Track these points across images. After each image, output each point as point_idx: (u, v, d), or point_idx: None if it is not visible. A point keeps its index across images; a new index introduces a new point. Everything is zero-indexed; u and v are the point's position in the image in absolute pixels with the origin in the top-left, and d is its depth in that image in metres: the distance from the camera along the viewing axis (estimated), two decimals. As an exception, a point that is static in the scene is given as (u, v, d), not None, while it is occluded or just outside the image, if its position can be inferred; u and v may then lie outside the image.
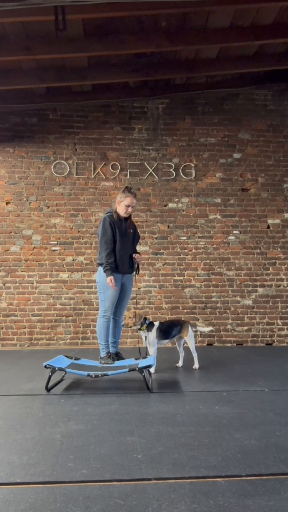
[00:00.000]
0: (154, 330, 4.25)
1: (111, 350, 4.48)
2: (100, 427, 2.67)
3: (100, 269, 4.40)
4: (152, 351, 4.25)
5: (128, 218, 4.53)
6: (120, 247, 4.39)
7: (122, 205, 4.43)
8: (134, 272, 4.62)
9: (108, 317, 4.42)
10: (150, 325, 4.26)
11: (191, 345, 4.41)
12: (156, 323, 4.31)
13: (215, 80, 6.31)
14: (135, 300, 6.09)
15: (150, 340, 4.27)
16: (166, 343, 4.60)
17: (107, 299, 4.36)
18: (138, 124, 6.47)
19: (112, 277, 4.26)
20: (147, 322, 4.26)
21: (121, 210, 4.44)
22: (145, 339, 4.31)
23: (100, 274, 4.41)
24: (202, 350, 5.19)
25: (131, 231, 4.56)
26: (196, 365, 4.42)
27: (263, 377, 4.05)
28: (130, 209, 4.45)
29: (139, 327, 4.23)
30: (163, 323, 4.41)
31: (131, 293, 4.70)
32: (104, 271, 4.30)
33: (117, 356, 4.48)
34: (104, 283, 4.33)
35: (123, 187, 4.59)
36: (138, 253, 4.65)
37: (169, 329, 4.36)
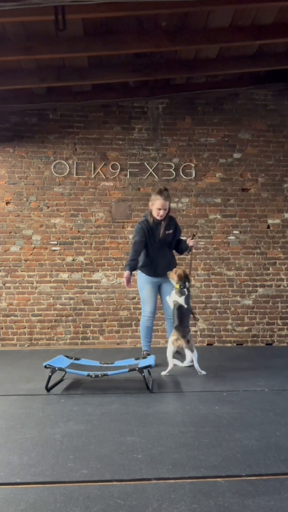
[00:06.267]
0: (178, 298, 4.07)
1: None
2: (100, 427, 2.67)
3: (139, 272, 4.45)
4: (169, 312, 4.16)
5: (164, 220, 4.42)
6: (153, 252, 4.38)
7: (154, 208, 4.38)
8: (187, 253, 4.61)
9: (147, 317, 4.42)
10: (181, 292, 4.08)
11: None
12: (182, 298, 4.08)
13: (215, 80, 6.29)
14: (135, 300, 6.10)
15: (169, 302, 4.13)
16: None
17: (142, 300, 4.44)
18: (138, 124, 6.46)
19: (128, 273, 4.23)
20: (183, 286, 4.07)
21: (154, 213, 4.40)
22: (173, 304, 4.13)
23: (138, 277, 4.48)
24: (202, 350, 5.18)
25: (171, 231, 4.47)
26: (198, 370, 4.16)
27: (263, 377, 4.05)
28: (162, 212, 4.34)
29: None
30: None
31: None
32: (124, 267, 4.31)
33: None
34: (140, 284, 4.43)
35: (157, 187, 4.49)
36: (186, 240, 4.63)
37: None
